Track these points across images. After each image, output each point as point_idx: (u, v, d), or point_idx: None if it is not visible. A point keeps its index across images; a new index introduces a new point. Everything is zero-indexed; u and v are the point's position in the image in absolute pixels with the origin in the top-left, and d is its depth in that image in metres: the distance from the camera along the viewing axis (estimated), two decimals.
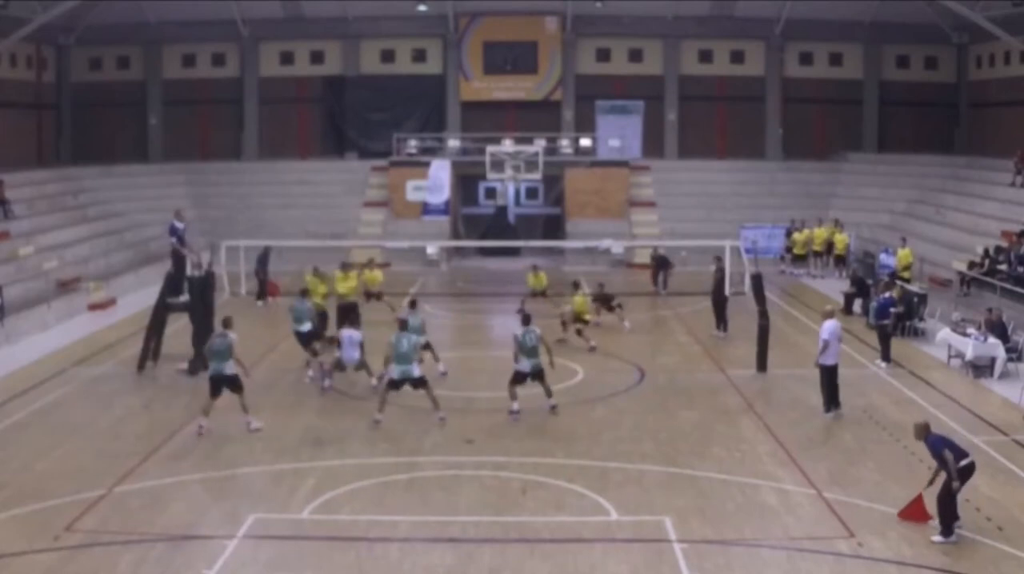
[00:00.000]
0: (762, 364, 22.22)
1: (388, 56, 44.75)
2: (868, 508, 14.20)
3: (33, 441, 17.39)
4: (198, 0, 41.80)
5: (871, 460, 16.34)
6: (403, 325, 19.09)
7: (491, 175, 40.51)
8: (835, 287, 32.39)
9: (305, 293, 22.39)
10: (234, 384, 17.98)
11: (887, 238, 35.28)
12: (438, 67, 44.68)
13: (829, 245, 36.18)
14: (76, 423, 18.47)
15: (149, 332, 22.57)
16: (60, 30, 41.57)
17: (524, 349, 18.55)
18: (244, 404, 17.98)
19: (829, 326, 18.81)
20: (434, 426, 18.03)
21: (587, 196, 41.19)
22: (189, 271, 25.33)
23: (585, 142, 43.17)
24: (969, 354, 21.75)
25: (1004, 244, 29.31)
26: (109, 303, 29.92)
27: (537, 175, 40.60)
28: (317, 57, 44.92)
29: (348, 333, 20.53)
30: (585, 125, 43.94)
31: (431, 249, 37.82)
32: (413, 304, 22.39)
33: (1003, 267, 27.90)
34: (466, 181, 43.78)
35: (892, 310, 23.63)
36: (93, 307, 29.32)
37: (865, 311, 27.49)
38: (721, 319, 26.13)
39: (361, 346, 20.53)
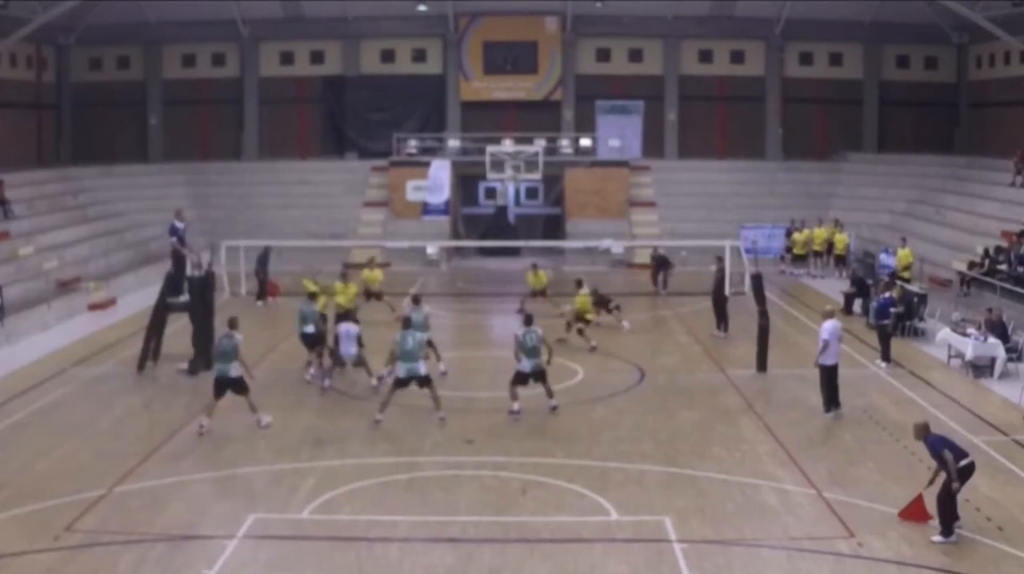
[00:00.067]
0: (762, 364, 22.22)
1: (388, 56, 44.75)
2: (868, 508, 14.20)
3: (33, 441, 17.39)
4: (198, 0, 41.80)
5: (871, 460, 16.35)
6: (407, 322, 19.07)
7: (491, 175, 40.51)
8: (835, 287, 32.38)
9: (313, 296, 22.37)
10: (239, 386, 17.99)
11: (887, 238, 35.28)
12: (438, 67, 44.69)
13: (829, 245, 36.18)
14: (76, 423, 18.47)
15: (149, 332, 22.56)
16: (60, 30, 41.57)
17: (525, 349, 18.55)
18: (251, 404, 18.02)
19: (829, 326, 18.82)
20: (434, 426, 18.03)
21: (587, 196, 41.19)
22: (189, 271, 25.34)
23: (585, 142, 43.17)
24: (969, 354, 21.75)
25: (1004, 244, 29.31)
26: (109, 303, 29.91)
27: (537, 175, 40.60)
28: (317, 57, 44.93)
29: (345, 327, 20.56)
30: (585, 125, 43.94)
31: (431, 249, 37.83)
32: (416, 300, 22.41)
33: (1003, 267, 27.90)
34: (466, 181, 43.78)
35: (892, 310, 23.63)
36: (93, 307, 29.32)
37: (865, 311, 27.49)
38: (721, 319, 26.12)
39: (359, 340, 20.52)
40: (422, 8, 43.03)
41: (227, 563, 12.50)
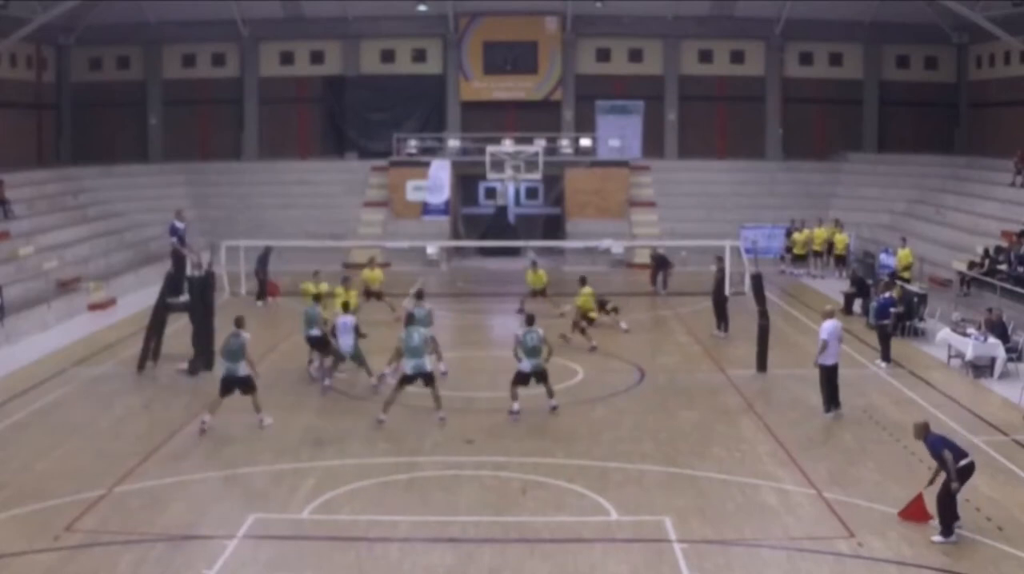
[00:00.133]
0: (762, 364, 22.22)
1: (388, 56, 44.75)
2: (868, 508, 14.20)
3: (33, 441, 17.39)
4: (198, 0, 41.80)
5: (871, 460, 16.35)
6: (410, 319, 19.09)
7: (491, 175, 40.50)
8: (835, 287, 32.38)
9: (318, 298, 22.34)
10: (246, 385, 18.01)
11: (887, 238, 35.28)
12: (438, 67, 44.68)
13: (829, 245, 36.18)
14: (76, 423, 18.47)
15: (149, 332, 22.55)
16: (60, 30, 41.57)
17: (526, 349, 18.55)
18: (256, 404, 18.05)
19: (828, 326, 18.82)
20: (434, 426, 18.02)
21: (587, 196, 41.18)
22: (189, 271, 25.34)
23: (585, 142, 43.16)
24: (969, 354, 21.75)
25: (1004, 244, 29.31)
26: (109, 303, 29.91)
27: (537, 175, 40.59)
28: (317, 57, 44.93)
29: (343, 319, 20.56)
30: (585, 125, 43.94)
31: (431, 249, 37.82)
32: (420, 295, 22.37)
33: (1003, 267, 27.90)
34: (466, 181, 43.77)
35: (892, 310, 23.63)
36: (93, 307, 29.31)
37: (865, 311, 27.49)
38: (721, 319, 26.11)
39: (356, 331, 20.48)
40: (422, 8, 43.02)
41: (227, 563, 12.50)
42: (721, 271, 26.39)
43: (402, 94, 44.37)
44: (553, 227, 43.46)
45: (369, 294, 27.26)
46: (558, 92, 44.18)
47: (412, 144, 43.03)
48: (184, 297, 23.14)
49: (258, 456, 16.55)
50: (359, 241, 38.02)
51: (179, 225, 28.80)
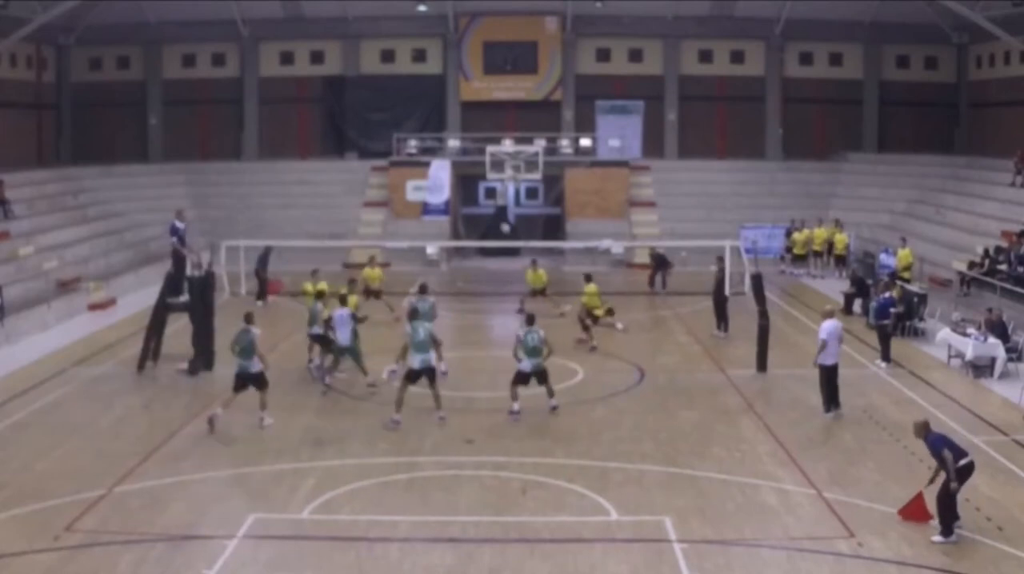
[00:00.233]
0: (762, 364, 22.22)
1: (388, 56, 44.74)
2: (868, 508, 14.20)
3: (33, 441, 17.39)
4: (198, 0, 41.80)
5: (871, 460, 16.35)
6: (413, 314, 19.04)
7: (491, 175, 40.49)
8: (835, 287, 32.38)
9: (320, 295, 22.36)
10: (259, 381, 18.07)
11: (887, 238, 35.27)
12: (438, 67, 44.67)
13: (829, 245, 36.18)
14: (76, 423, 18.47)
15: (149, 332, 22.56)
16: (60, 30, 41.56)
17: (527, 349, 18.55)
18: (264, 401, 18.12)
19: (828, 326, 18.82)
20: (434, 426, 18.02)
21: (587, 196, 41.18)
22: (189, 271, 25.34)
23: (585, 142, 43.15)
24: (969, 354, 21.75)
25: (1004, 244, 29.31)
26: (109, 303, 29.91)
27: (537, 175, 40.58)
28: (317, 57, 44.91)
29: (340, 312, 20.56)
30: (585, 125, 43.93)
31: (431, 249, 37.80)
32: (423, 289, 22.33)
33: (1003, 267, 27.90)
34: (466, 181, 43.75)
35: (892, 310, 23.64)
36: (93, 307, 29.31)
37: (865, 311, 27.49)
38: (721, 319, 26.11)
39: (354, 319, 20.43)
40: (422, 8, 43.02)
41: (227, 563, 12.50)
42: (721, 271, 26.37)
43: (402, 94, 44.36)
44: (553, 227, 43.45)
45: (368, 292, 27.26)
46: (558, 92, 44.17)
47: (412, 144, 43.02)
48: (184, 297, 23.15)
49: (258, 456, 16.55)
50: (359, 241, 38.01)
51: (179, 225, 28.81)
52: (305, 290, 25.04)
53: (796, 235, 36.70)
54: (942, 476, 13.34)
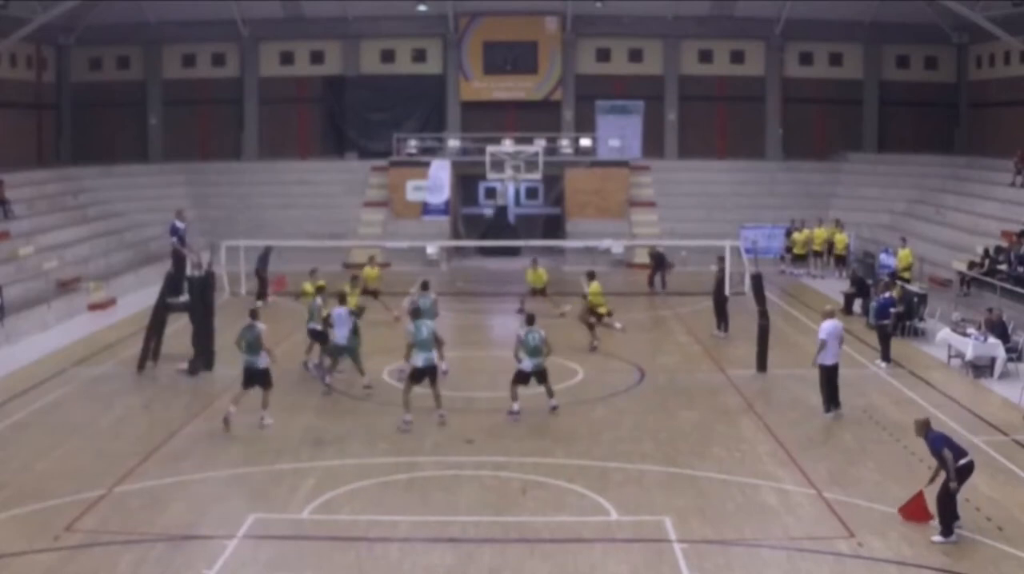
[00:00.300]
0: (762, 364, 22.22)
1: (388, 56, 44.74)
2: (868, 508, 14.20)
3: (33, 441, 17.39)
4: (198, 0, 41.80)
5: (871, 460, 16.35)
6: (416, 312, 19.04)
7: (491, 175, 40.49)
8: (835, 287, 32.38)
9: (320, 290, 22.35)
10: (265, 379, 18.09)
11: (887, 238, 35.27)
12: (438, 67, 44.68)
13: (829, 245, 36.18)
14: (76, 423, 18.47)
15: (149, 332, 22.55)
16: (60, 30, 41.56)
17: (527, 349, 18.54)
18: (266, 400, 18.13)
19: (827, 326, 18.82)
20: (434, 426, 18.02)
21: (587, 196, 41.18)
22: (189, 271, 25.33)
23: (585, 142, 43.15)
24: (969, 354, 21.75)
25: (1004, 244, 29.31)
26: (109, 303, 29.91)
27: (537, 175, 40.58)
28: (317, 57, 44.92)
29: (338, 310, 20.56)
30: (585, 125, 43.93)
31: (431, 249, 37.80)
32: (426, 286, 22.32)
33: (1003, 267, 27.90)
34: (466, 181, 43.76)
35: (892, 310, 23.64)
36: (93, 307, 29.31)
37: (865, 311, 27.48)
38: (722, 319, 26.10)
39: (354, 320, 20.43)
40: (422, 8, 43.02)
41: (227, 563, 12.50)
42: (721, 271, 26.37)
43: (402, 94, 44.36)
44: (553, 227, 43.46)
45: (366, 291, 27.25)
46: (558, 92, 44.18)
47: (412, 144, 43.02)
48: (184, 297, 23.14)
49: (258, 456, 16.55)
50: (359, 241, 38.01)
51: (179, 225, 28.79)
52: (304, 290, 25.06)
53: (796, 235, 36.70)
54: (942, 476, 13.34)
